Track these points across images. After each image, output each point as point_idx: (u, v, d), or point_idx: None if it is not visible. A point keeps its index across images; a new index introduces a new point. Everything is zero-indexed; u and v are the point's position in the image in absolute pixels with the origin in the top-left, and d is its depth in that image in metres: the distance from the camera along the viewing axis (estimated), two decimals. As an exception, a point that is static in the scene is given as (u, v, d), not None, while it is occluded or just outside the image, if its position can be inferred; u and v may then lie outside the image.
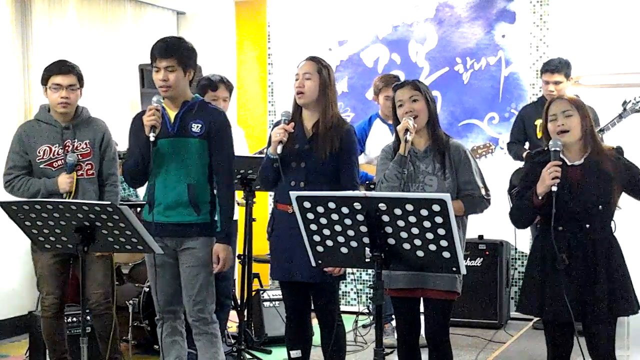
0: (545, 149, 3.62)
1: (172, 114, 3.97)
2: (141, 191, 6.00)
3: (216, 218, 4.03)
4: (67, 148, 4.46)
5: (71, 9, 6.80)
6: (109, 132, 4.63)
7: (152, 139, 3.82)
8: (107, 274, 4.57)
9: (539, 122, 5.84)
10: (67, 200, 3.67)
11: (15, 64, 6.32)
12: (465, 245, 3.90)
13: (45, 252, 4.29)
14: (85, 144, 4.50)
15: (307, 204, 3.02)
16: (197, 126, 3.94)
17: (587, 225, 3.50)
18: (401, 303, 3.85)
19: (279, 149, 3.94)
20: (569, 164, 3.54)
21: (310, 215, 3.03)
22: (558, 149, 3.49)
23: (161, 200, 3.95)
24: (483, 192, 3.79)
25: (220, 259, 3.93)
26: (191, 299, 3.96)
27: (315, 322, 4.18)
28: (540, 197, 3.48)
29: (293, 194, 3.04)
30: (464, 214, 3.79)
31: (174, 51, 3.91)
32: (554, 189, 3.42)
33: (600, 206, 3.50)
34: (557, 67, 5.72)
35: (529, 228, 6.22)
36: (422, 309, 3.88)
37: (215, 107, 4.18)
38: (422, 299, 3.84)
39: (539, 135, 5.82)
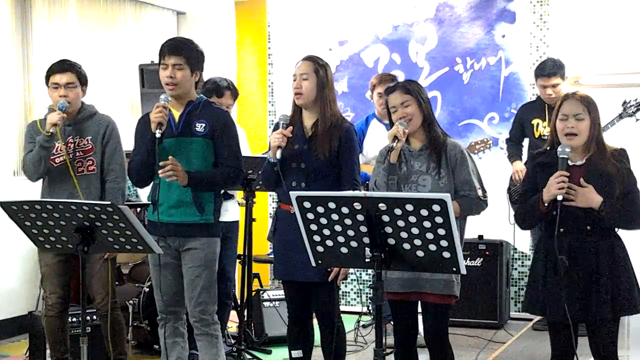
0: (547, 149, 3.58)
1: (176, 114, 3.98)
2: (142, 192, 5.99)
3: (220, 219, 4.04)
4: (69, 145, 4.45)
5: (71, 9, 6.80)
6: (113, 127, 4.56)
7: (157, 135, 3.82)
8: (111, 274, 4.57)
9: (535, 121, 5.85)
10: (67, 200, 3.65)
11: (15, 64, 6.32)
12: (463, 247, 3.88)
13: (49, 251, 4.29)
14: (87, 140, 4.48)
15: (307, 204, 3.01)
16: (201, 126, 3.95)
17: (588, 227, 3.46)
18: (398, 306, 3.82)
19: (278, 154, 3.94)
20: (570, 163, 3.48)
21: (310, 215, 3.03)
22: (566, 156, 3.43)
23: (165, 200, 3.94)
24: (480, 192, 3.74)
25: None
26: (193, 300, 3.96)
27: (316, 322, 4.18)
28: (546, 204, 3.44)
29: (293, 194, 3.03)
30: (460, 215, 3.76)
31: (183, 49, 3.92)
32: (560, 198, 3.37)
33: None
34: (552, 71, 5.71)
35: (529, 228, 6.25)
36: (419, 311, 3.87)
37: (219, 107, 4.19)
38: (419, 302, 3.83)
39: (537, 134, 5.84)
